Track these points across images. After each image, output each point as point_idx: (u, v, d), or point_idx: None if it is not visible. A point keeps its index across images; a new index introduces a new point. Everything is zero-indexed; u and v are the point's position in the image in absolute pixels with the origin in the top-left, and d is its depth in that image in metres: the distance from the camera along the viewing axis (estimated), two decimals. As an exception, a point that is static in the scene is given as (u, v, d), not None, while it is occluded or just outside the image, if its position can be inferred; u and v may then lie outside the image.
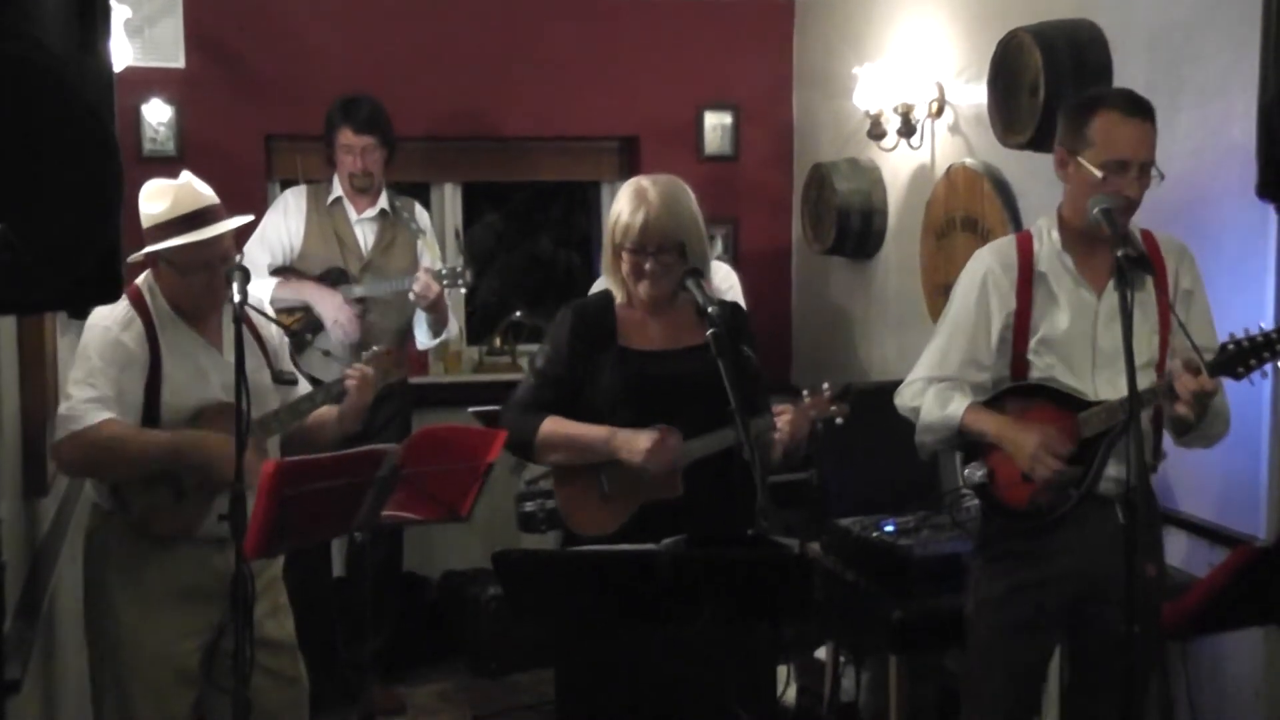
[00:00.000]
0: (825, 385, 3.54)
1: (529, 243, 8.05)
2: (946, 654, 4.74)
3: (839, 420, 3.53)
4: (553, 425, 3.58)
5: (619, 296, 3.63)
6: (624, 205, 3.54)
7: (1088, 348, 3.49)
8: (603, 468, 3.55)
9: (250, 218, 3.69)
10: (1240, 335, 3.20)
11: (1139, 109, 3.38)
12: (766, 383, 3.69)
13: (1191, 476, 4.06)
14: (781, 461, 3.60)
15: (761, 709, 3.49)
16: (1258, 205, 3.79)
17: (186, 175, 3.61)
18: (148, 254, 3.52)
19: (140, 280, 3.59)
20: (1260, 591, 3.00)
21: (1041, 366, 3.51)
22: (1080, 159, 3.38)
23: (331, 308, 5.27)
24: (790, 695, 5.12)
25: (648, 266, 3.50)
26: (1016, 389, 3.54)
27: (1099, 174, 3.32)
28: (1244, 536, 3.87)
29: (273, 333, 3.80)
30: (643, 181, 3.57)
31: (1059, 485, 3.42)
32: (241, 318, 3.27)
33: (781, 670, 3.89)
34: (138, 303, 3.55)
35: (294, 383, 3.77)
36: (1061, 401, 3.46)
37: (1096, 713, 3.56)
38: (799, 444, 3.52)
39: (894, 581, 4.34)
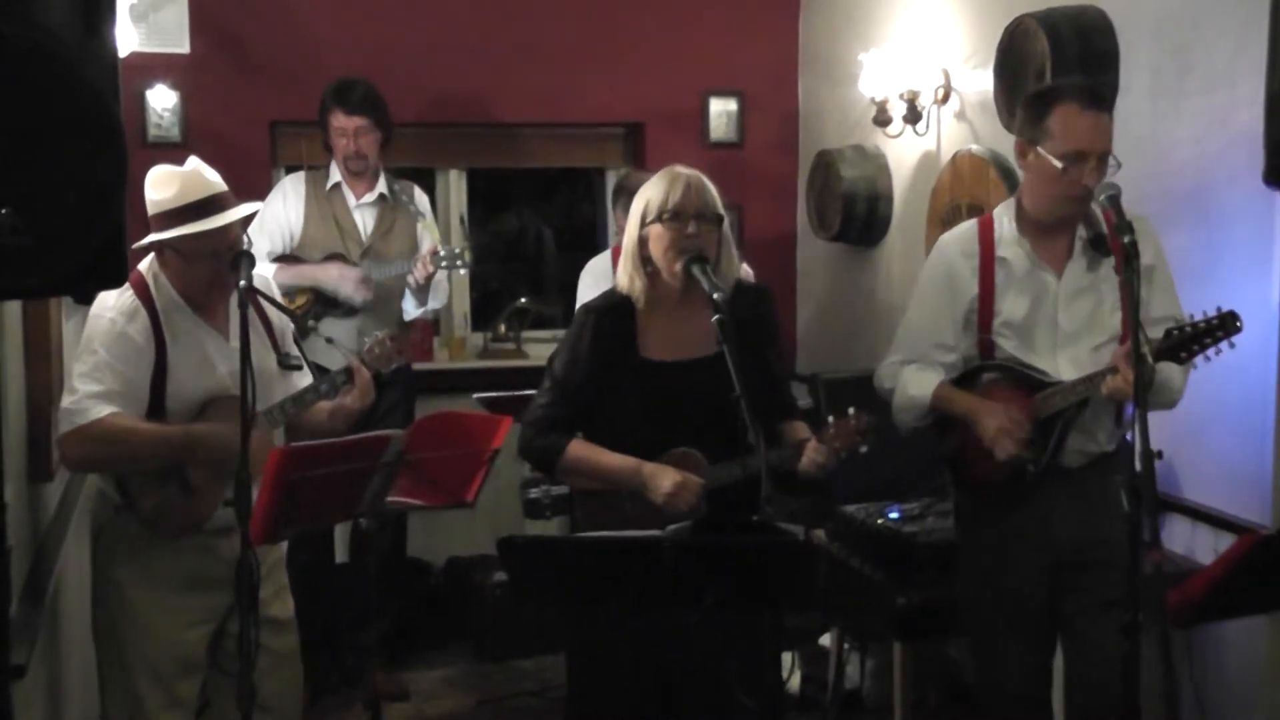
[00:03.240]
0: (850, 411, 3.46)
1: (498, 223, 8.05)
2: (951, 641, 4.75)
3: (864, 449, 3.46)
4: (578, 451, 3.54)
5: (639, 298, 3.54)
6: (656, 184, 3.50)
7: (1049, 328, 3.58)
8: (625, 491, 3.53)
9: (258, 206, 3.66)
10: (1185, 321, 3.28)
11: (1095, 101, 3.47)
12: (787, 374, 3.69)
13: (1197, 464, 4.06)
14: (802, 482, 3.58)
15: (766, 696, 3.48)
16: (1264, 191, 3.79)
17: (194, 161, 3.56)
18: (154, 242, 3.48)
19: (144, 267, 3.56)
20: (1265, 579, 3.00)
21: (1006, 347, 3.61)
22: (1040, 149, 3.46)
23: (335, 275, 5.28)
24: (795, 682, 5.13)
25: (690, 229, 3.43)
26: (983, 369, 3.65)
27: (1059, 165, 3.40)
28: (1249, 524, 3.87)
29: (279, 317, 3.77)
30: (670, 167, 3.54)
31: (1019, 463, 3.50)
32: (246, 303, 3.26)
33: (786, 657, 3.89)
34: (142, 292, 3.51)
35: (299, 368, 3.74)
36: (1022, 381, 3.56)
37: (1091, 682, 3.58)
38: (821, 476, 3.48)
39: (898, 568, 4.35)
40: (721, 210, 3.51)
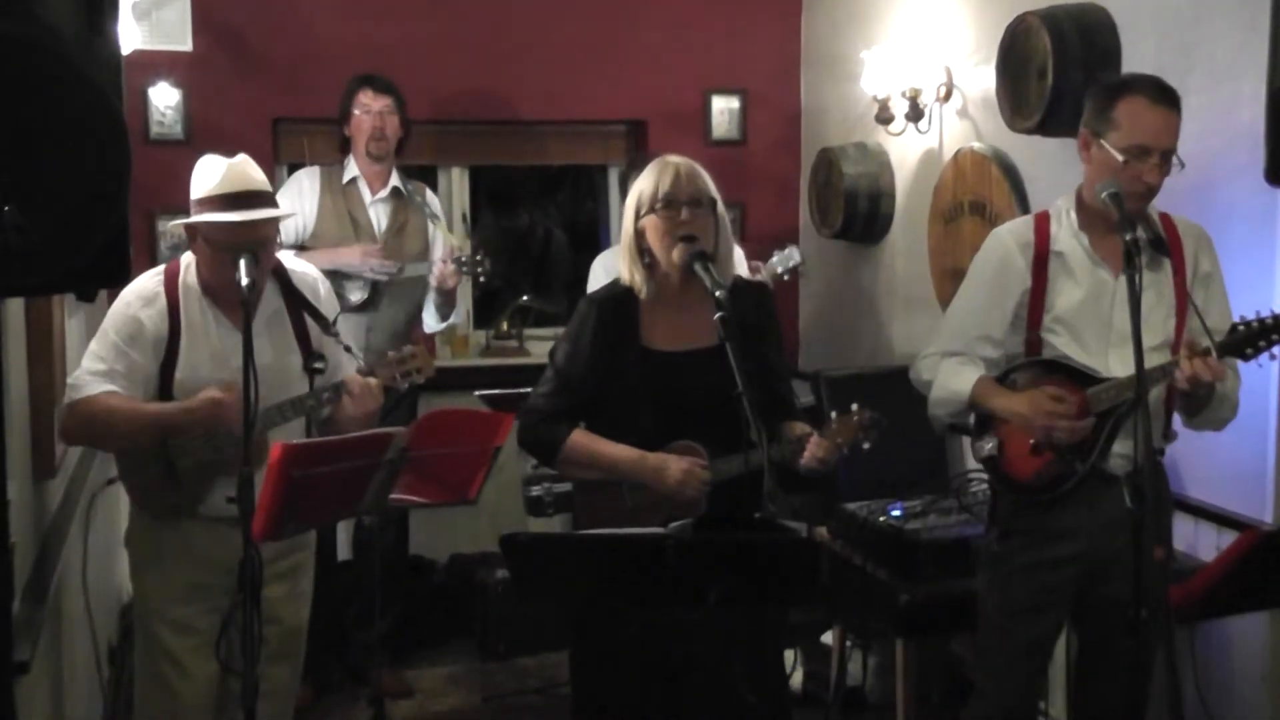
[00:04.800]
0: (854, 407, 3.44)
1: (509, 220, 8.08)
2: (953, 638, 4.75)
3: (866, 445, 3.43)
4: (579, 440, 3.54)
5: (641, 288, 3.54)
6: (648, 173, 3.50)
7: (1103, 326, 3.49)
8: (626, 482, 3.53)
9: (293, 212, 3.69)
10: (1250, 317, 3.21)
11: (1166, 97, 3.38)
12: (789, 371, 3.69)
13: (1199, 461, 4.06)
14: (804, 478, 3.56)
15: (769, 692, 3.48)
16: (1265, 189, 3.79)
17: (243, 156, 3.62)
18: (186, 225, 3.56)
19: (186, 256, 3.63)
20: (1267, 575, 3.01)
21: (1056, 344, 3.53)
22: (1103, 142, 3.39)
23: (356, 255, 5.28)
24: (797, 679, 5.13)
25: (684, 216, 3.43)
26: (1030, 364, 3.56)
27: (1120, 158, 3.33)
28: (1251, 521, 3.87)
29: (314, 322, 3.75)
30: (661, 158, 3.54)
31: (1071, 448, 3.42)
32: (249, 301, 3.27)
33: (789, 654, 3.88)
34: (170, 279, 3.59)
35: (322, 372, 3.74)
36: (1074, 378, 3.47)
37: (1104, 692, 3.58)
38: (824, 471, 3.45)
39: (901, 566, 4.35)
40: (715, 194, 3.50)
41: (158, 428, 3.49)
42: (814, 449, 3.39)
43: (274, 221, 3.59)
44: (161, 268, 3.63)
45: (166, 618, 3.62)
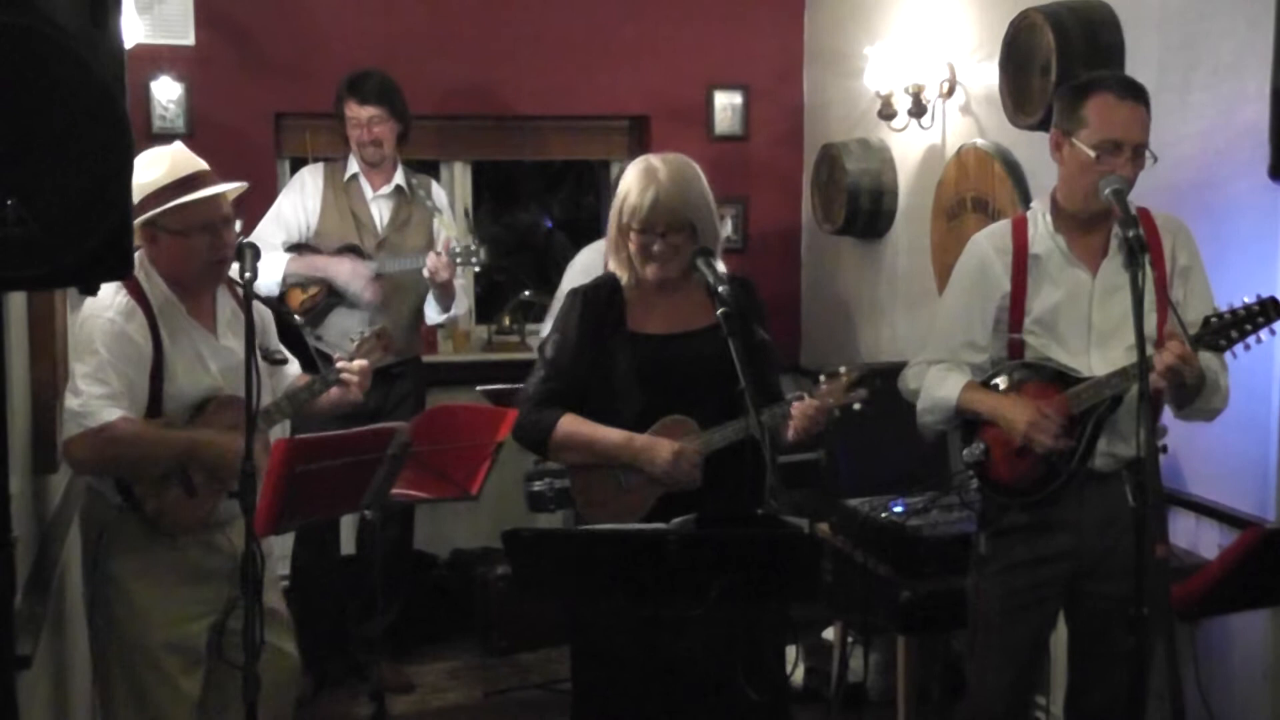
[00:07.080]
0: (842, 369, 3.47)
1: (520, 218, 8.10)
2: (954, 634, 4.75)
3: (857, 406, 3.46)
4: (569, 425, 3.55)
5: (623, 278, 3.59)
6: (632, 184, 3.51)
7: (1083, 326, 3.51)
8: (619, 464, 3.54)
9: (245, 185, 3.67)
10: (1224, 309, 3.22)
11: (1132, 92, 3.40)
12: (780, 361, 3.69)
13: (1201, 458, 4.06)
14: (794, 444, 3.58)
15: (770, 688, 3.48)
16: (1269, 185, 3.79)
17: (178, 143, 3.60)
18: (147, 219, 3.43)
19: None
20: (1270, 573, 3.00)
21: (1038, 346, 3.54)
22: (1074, 140, 3.41)
23: (347, 271, 5.28)
24: (798, 675, 5.13)
25: (656, 248, 3.47)
26: (1013, 368, 3.58)
27: (1092, 154, 3.35)
28: (1253, 518, 3.87)
29: (261, 312, 3.71)
30: (652, 160, 3.54)
31: (1055, 459, 3.43)
32: (251, 296, 3.24)
33: (789, 650, 3.89)
34: (135, 291, 3.47)
35: (284, 362, 3.74)
36: (1056, 379, 3.49)
37: (1100, 690, 3.58)
38: (814, 433, 3.47)
39: (903, 562, 4.35)
40: (694, 216, 3.49)
41: (176, 454, 3.41)
42: (803, 408, 3.41)
43: (230, 197, 3.56)
44: (117, 283, 3.41)
45: (168, 639, 3.53)
